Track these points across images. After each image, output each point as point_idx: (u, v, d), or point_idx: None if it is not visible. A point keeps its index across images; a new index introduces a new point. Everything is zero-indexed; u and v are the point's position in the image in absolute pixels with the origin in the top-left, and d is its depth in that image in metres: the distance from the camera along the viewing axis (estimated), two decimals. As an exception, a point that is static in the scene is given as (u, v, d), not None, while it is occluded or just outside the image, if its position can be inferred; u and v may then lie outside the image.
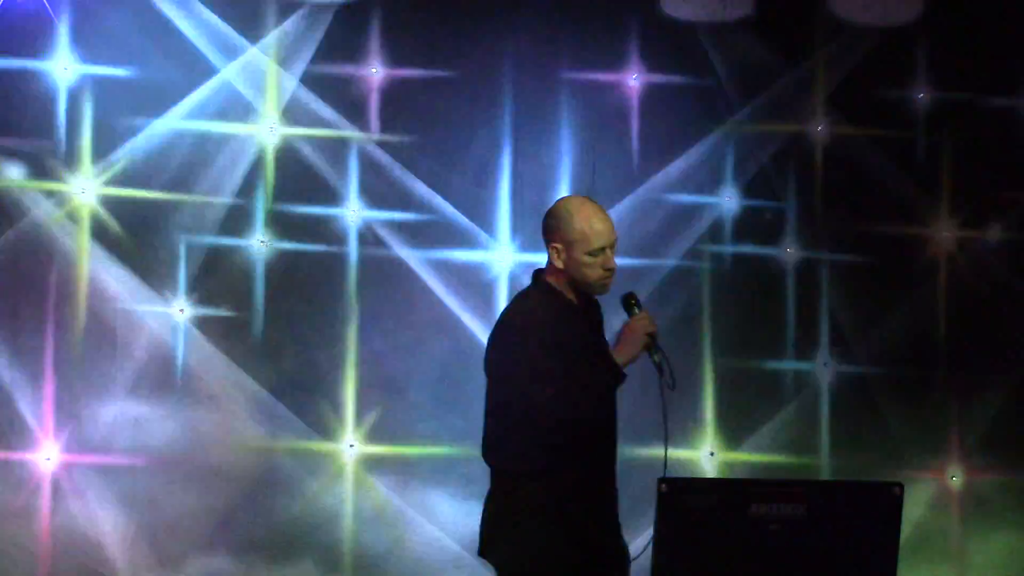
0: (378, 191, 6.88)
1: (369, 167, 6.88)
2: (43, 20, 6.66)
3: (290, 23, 6.82)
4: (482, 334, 6.74)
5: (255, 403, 6.74)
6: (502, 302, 6.80)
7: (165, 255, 6.74)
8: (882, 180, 7.09)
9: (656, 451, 4.89)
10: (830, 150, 7.09)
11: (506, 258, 6.89)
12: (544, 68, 6.91)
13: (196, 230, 6.75)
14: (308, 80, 6.83)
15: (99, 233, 6.68)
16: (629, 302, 4.85)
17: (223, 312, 6.77)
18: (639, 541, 4.88)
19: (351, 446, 6.79)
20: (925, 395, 7.07)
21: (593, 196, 5.03)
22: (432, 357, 6.82)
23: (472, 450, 6.54)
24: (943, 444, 7.08)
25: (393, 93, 6.89)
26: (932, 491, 7.05)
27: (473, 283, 6.89)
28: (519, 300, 4.85)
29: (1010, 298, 7.12)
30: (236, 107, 6.80)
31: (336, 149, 6.86)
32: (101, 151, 6.70)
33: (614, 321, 5.08)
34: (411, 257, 6.87)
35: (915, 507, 6.88)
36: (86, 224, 6.68)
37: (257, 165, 6.81)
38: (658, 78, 7.02)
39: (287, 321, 6.80)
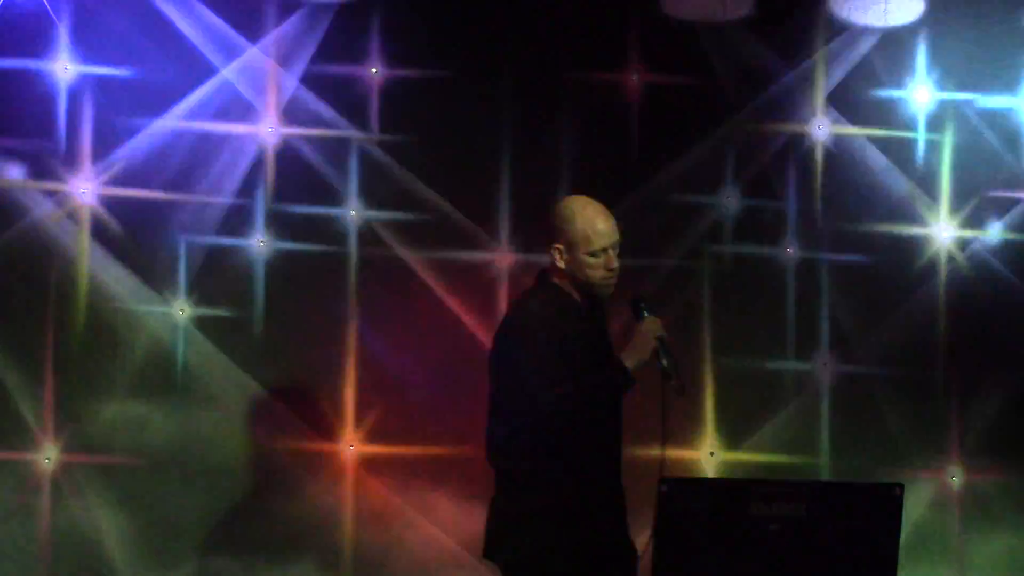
0: (378, 191, 6.87)
1: (369, 167, 6.87)
2: (43, 20, 6.66)
3: (290, 23, 6.82)
4: (482, 334, 6.73)
5: (255, 403, 6.74)
6: (502, 302, 6.80)
7: (165, 255, 6.74)
8: (882, 180, 7.09)
9: (656, 451, 4.89)
10: (830, 150, 7.09)
11: (506, 258, 6.89)
12: (544, 68, 6.91)
13: (196, 230, 6.75)
14: (308, 80, 6.83)
15: (99, 233, 6.68)
16: (638, 306, 4.85)
17: (223, 312, 6.76)
18: (639, 541, 4.88)
19: (351, 446, 6.79)
20: (925, 395, 7.07)
21: (593, 196, 5.03)
22: (432, 357, 6.81)
23: (472, 450, 6.56)
24: (943, 444, 7.08)
25: (393, 93, 6.88)
26: (932, 491, 7.04)
27: (473, 283, 6.89)
28: (524, 300, 4.85)
29: (1010, 298, 7.11)
30: (236, 107, 6.80)
31: (336, 149, 6.86)
32: (101, 151, 6.70)
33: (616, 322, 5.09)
34: (411, 257, 6.87)
35: (915, 507, 6.88)
36: (86, 224, 6.68)
37: (257, 165, 6.81)
38: (658, 78, 7.02)
39: (287, 321, 6.80)
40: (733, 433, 6.99)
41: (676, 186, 7.02)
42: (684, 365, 4.84)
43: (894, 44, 7.08)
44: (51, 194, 6.67)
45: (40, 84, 6.67)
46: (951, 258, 7.11)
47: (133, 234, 6.71)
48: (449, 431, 6.74)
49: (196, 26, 6.73)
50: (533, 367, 4.60)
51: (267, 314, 6.78)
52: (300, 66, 6.81)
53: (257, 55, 6.80)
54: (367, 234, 6.87)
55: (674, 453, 6.73)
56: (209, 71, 6.75)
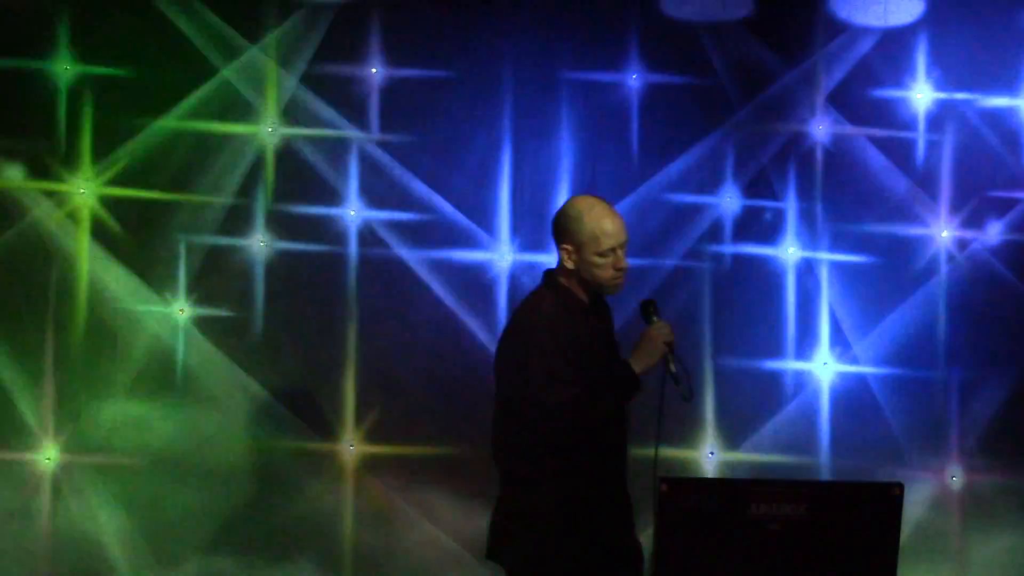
0: (378, 191, 6.88)
1: (369, 167, 6.87)
2: (43, 20, 6.66)
3: (290, 23, 6.82)
4: (482, 334, 6.74)
5: (255, 403, 6.74)
6: (502, 302, 6.80)
7: (165, 255, 6.74)
8: (882, 180, 7.09)
9: (655, 451, 4.89)
10: (830, 150, 7.09)
11: (506, 258, 6.89)
12: (544, 68, 6.91)
13: (196, 230, 6.75)
14: (308, 80, 6.83)
15: (99, 233, 6.68)
16: (647, 310, 4.84)
17: (223, 312, 6.77)
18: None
19: (351, 446, 6.79)
20: (925, 395, 7.07)
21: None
22: (432, 357, 6.81)
23: (472, 450, 6.56)
24: (943, 444, 7.07)
25: (393, 93, 6.89)
26: (932, 491, 7.04)
27: (473, 283, 6.89)
28: (531, 300, 4.83)
29: (1010, 298, 7.11)
30: (236, 107, 6.80)
31: (336, 149, 6.86)
32: (101, 151, 6.70)
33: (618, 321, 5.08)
34: (411, 257, 6.87)
35: (915, 507, 6.88)
36: (86, 224, 6.68)
37: (257, 165, 6.81)
38: (658, 78, 7.02)
39: (287, 321, 6.80)
40: (733, 433, 6.98)
41: (676, 186, 7.02)
42: (685, 366, 4.83)
43: (894, 44, 7.08)
44: (51, 194, 6.67)
45: (40, 84, 6.67)
46: (951, 258, 7.11)
47: (133, 234, 6.72)
48: (449, 431, 6.74)
49: (196, 26, 6.73)
50: (539, 367, 4.59)
51: (267, 314, 6.78)
52: (300, 66, 6.82)
53: (257, 55, 6.80)
54: (367, 234, 6.87)
55: (674, 453, 6.74)
56: (209, 71, 6.76)
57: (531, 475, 4.68)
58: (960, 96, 7.11)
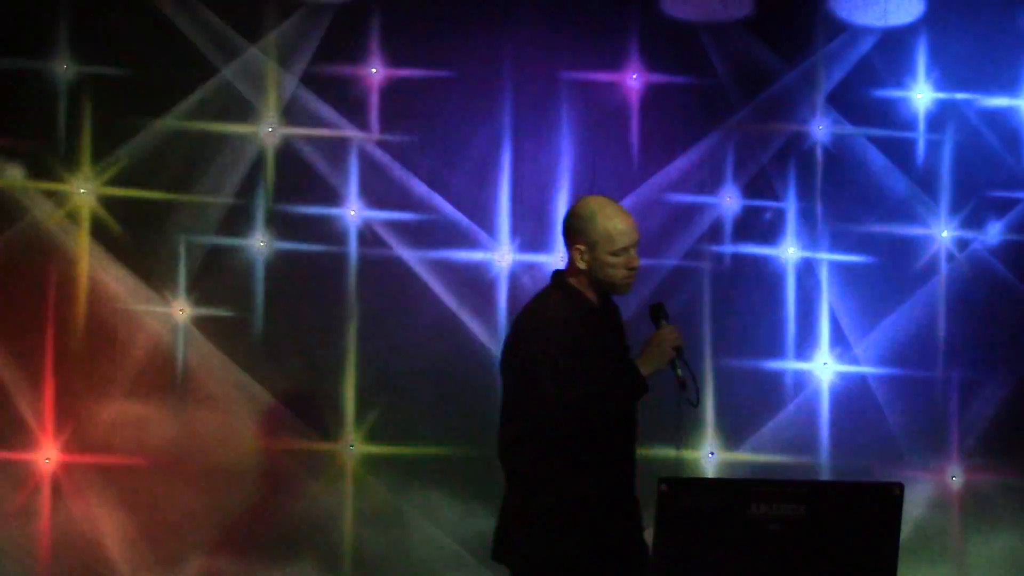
0: (378, 191, 6.87)
1: (369, 167, 6.87)
2: (43, 20, 6.66)
3: (290, 23, 6.82)
4: (482, 334, 6.74)
5: (255, 403, 6.74)
6: (502, 302, 6.80)
7: (165, 255, 6.74)
8: (882, 180, 7.09)
9: (658, 451, 4.90)
10: (830, 150, 7.09)
11: (506, 258, 6.89)
12: (544, 68, 6.91)
13: (196, 230, 6.75)
14: (308, 80, 6.83)
15: (99, 233, 6.68)
16: (656, 313, 4.84)
17: (223, 312, 6.76)
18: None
19: (351, 446, 6.79)
20: (925, 395, 7.07)
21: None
22: (432, 357, 6.81)
23: (472, 450, 6.55)
24: (943, 444, 7.08)
25: (393, 93, 6.88)
26: (932, 491, 7.04)
27: (473, 283, 6.88)
28: (540, 300, 4.82)
29: (1010, 298, 7.12)
30: (236, 107, 6.80)
31: (336, 149, 6.86)
32: (101, 151, 6.70)
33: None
34: (411, 257, 6.87)
35: (915, 507, 6.88)
36: (86, 224, 6.68)
37: (257, 165, 6.81)
38: (658, 78, 7.02)
39: (287, 321, 6.80)
40: (733, 433, 6.99)
41: (676, 186, 7.02)
42: (692, 371, 4.84)
43: (894, 44, 7.09)
44: (51, 194, 6.67)
45: (40, 84, 6.67)
46: (951, 258, 7.11)
47: (133, 234, 6.71)
48: (449, 431, 6.74)
49: (196, 26, 6.73)
50: (547, 367, 4.58)
51: (267, 314, 6.77)
52: (300, 66, 6.81)
53: (257, 55, 6.80)
54: (367, 234, 6.87)
55: (673, 453, 6.74)
56: (209, 71, 6.75)
57: (538, 475, 4.67)
58: (960, 96, 7.12)
